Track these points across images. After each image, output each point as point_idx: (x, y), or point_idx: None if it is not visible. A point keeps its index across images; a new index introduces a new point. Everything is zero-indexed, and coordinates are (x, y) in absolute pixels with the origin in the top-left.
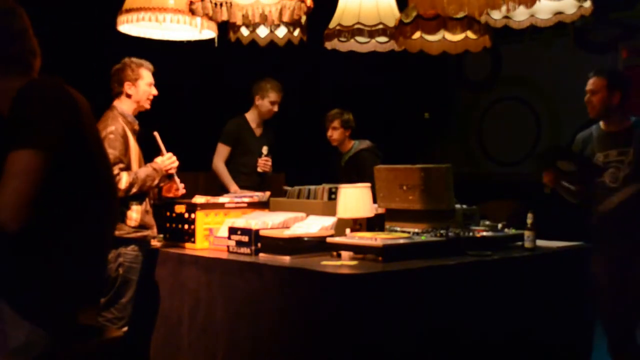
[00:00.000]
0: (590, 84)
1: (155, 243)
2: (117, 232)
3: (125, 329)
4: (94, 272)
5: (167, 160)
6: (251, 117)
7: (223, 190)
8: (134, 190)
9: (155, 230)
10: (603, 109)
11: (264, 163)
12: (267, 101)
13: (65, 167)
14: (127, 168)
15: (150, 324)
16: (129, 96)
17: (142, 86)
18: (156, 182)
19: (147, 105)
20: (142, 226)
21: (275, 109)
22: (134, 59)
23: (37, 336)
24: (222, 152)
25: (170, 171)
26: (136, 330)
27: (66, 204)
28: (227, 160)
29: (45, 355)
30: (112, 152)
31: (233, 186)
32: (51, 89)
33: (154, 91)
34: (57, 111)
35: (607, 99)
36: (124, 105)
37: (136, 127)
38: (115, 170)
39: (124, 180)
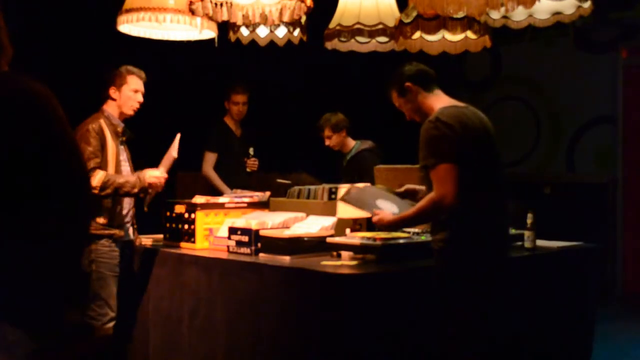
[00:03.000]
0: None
1: (145, 241)
2: None
3: (112, 324)
4: (68, 267)
5: (154, 178)
6: (229, 120)
7: (217, 193)
8: (108, 191)
9: (122, 231)
10: (414, 115)
11: (252, 163)
12: (232, 104)
13: (27, 161)
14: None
15: (141, 323)
16: (113, 99)
17: (125, 92)
18: (135, 190)
19: (130, 112)
20: (113, 225)
21: (242, 108)
22: (129, 66)
23: (16, 337)
24: (209, 159)
25: (151, 186)
26: (128, 329)
27: (33, 198)
28: (215, 165)
29: (31, 355)
30: (86, 147)
31: (227, 190)
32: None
33: (139, 98)
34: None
35: (409, 107)
36: (110, 109)
37: (119, 129)
38: (90, 165)
39: (97, 177)
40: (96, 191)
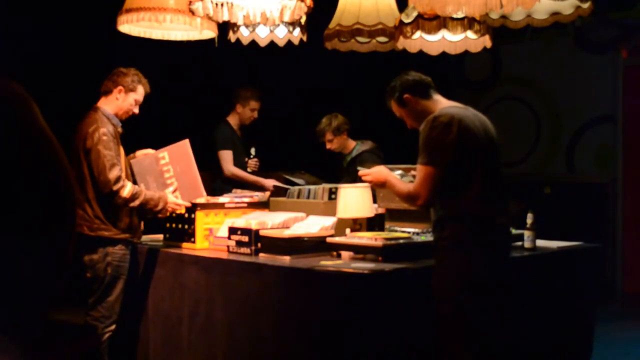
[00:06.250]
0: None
1: (145, 242)
2: (106, 233)
3: (113, 327)
4: (47, 278)
5: (175, 205)
6: (234, 121)
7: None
8: (136, 203)
9: (140, 233)
10: (417, 124)
11: (254, 163)
12: (248, 109)
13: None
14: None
15: (141, 323)
16: (116, 99)
17: (129, 99)
18: (157, 209)
19: (124, 118)
20: (130, 228)
21: (256, 115)
22: (139, 73)
23: (3, 344)
24: (228, 157)
25: (167, 209)
26: (128, 329)
27: (5, 205)
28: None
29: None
30: (109, 154)
31: (266, 181)
32: None
33: (136, 110)
34: None
35: (411, 117)
36: (107, 107)
37: (120, 129)
38: (116, 173)
39: (127, 189)
40: (122, 201)
